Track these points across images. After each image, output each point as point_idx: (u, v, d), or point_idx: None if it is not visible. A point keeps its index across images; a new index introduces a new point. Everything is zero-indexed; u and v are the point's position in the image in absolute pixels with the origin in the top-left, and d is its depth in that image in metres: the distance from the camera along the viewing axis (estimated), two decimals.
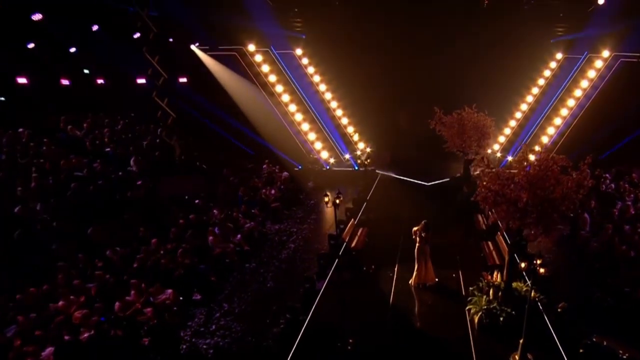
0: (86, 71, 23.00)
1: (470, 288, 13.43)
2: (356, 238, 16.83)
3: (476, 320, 12.36)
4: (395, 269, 15.54)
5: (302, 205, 21.29)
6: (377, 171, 25.30)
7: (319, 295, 13.65)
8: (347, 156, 25.85)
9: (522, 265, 10.94)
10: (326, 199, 14.27)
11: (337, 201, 13.78)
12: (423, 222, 14.16)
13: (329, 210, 19.03)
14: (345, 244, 16.07)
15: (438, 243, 15.24)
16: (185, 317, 12.74)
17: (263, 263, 16.06)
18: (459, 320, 12.80)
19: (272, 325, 12.30)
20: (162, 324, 11.46)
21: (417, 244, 14.35)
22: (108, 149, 19.89)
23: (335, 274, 14.81)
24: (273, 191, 21.60)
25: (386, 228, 18.26)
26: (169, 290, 13.12)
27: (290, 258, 16.40)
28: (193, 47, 23.65)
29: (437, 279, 14.72)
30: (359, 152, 25.02)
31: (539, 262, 10.41)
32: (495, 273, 13.04)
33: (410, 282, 14.66)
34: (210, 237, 16.19)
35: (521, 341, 10.98)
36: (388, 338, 12.02)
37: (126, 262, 13.90)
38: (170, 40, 22.70)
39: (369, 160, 23.55)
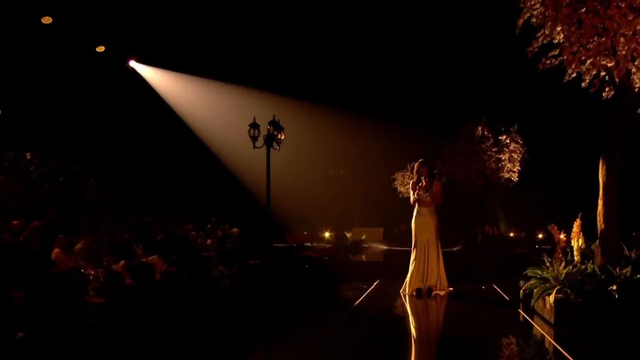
0: None
1: (523, 281, 6.19)
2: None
3: (551, 300, 5.00)
4: (376, 282, 8.28)
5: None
6: (364, 245, 19.81)
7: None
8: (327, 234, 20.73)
9: None
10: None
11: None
12: (419, 161, 7.58)
13: None
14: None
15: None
16: None
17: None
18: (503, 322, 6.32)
19: None
20: None
21: (414, 213, 7.96)
22: None
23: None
24: (209, 240, 14.90)
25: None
26: None
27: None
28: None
29: (451, 288, 7.76)
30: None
31: None
32: (575, 225, 5.98)
33: (401, 290, 7.42)
34: (56, 249, 9.49)
35: None
36: None
37: None
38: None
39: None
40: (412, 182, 8.01)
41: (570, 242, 6.27)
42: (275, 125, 9.73)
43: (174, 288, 11.44)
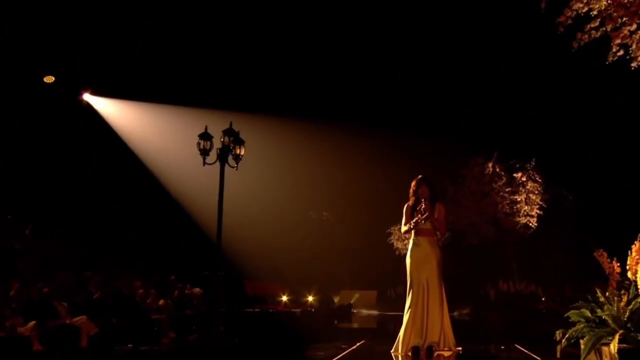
0: None
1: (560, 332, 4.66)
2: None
3: (613, 350, 3.42)
4: (359, 343, 6.80)
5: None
6: (353, 311, 18.53)
7: None
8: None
9: None
10: None
11: None
12: (418, 177, 6.69)
13: None
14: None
15: None
16: None
17: None
18: None
19: None
20: None
21: (409, 244, 6.62)
22: None
23: None
24: (162, 301, 13.55)
25: None
26: None
27: None
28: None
29: (460, 348, 6.36)
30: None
31: None
32: (634, 249, 4.55)
33: (392, 350, 6.38)
34: None
35: None
36: None
37: None
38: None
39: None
40: (408, 206, 6.59)
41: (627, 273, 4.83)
42: (233, 135, 8.44)
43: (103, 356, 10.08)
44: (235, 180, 17.89)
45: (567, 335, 4.62)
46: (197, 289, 15.80)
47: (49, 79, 15.55)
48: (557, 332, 5.07)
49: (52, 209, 16.80)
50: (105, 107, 17.07)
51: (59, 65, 16.22)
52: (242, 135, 9.53)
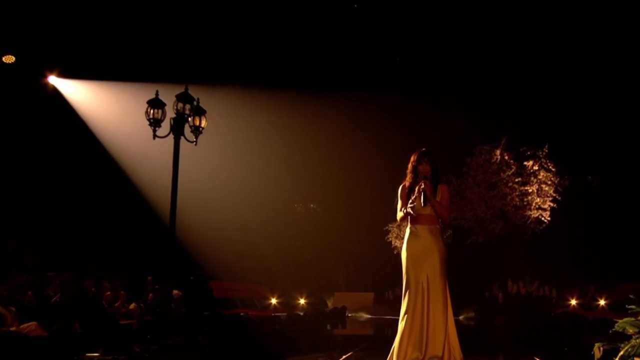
0: None
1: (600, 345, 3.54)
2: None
3: None
4: (346, 355, 5.82)
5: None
6: (348, 314, 18.04)
7: None
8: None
9: None
10: None
11: None
12: (419, 151, 5.62)
13: None
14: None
15: None
16: None
17: None
18: None
19: None
20: None
21: (405, 235, 5.62)
22: None
23: None
24: (133, 305, 12.84)
25: None
26: None
27: None
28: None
29: None
30: None
31: None
32: None
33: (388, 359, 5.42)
34: None
35: None
36: None
37: None
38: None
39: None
40: (404, 186, 5.54)
41: None
42: (189, 101, 7.24)
43: None
44: (224, 173, 16.94)
45: (621, 353, 3.54)
46: (176, 291, 14.99)
47: (9, 59, 14.70)
48: (596, 345, 4.01)
49: (16, 204, 16.09)
50: (74, 90, 16.15)
51: (20, 43, 15.44)
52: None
